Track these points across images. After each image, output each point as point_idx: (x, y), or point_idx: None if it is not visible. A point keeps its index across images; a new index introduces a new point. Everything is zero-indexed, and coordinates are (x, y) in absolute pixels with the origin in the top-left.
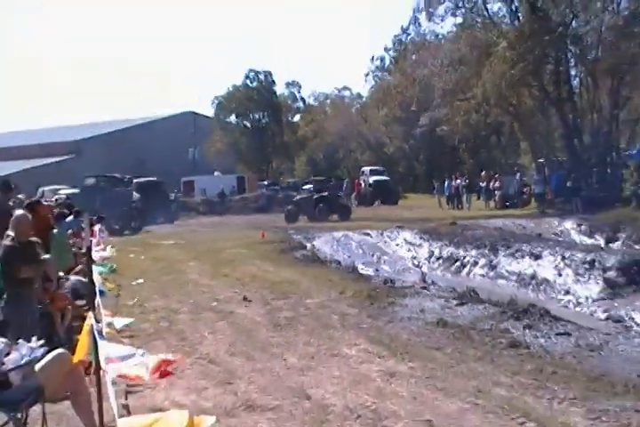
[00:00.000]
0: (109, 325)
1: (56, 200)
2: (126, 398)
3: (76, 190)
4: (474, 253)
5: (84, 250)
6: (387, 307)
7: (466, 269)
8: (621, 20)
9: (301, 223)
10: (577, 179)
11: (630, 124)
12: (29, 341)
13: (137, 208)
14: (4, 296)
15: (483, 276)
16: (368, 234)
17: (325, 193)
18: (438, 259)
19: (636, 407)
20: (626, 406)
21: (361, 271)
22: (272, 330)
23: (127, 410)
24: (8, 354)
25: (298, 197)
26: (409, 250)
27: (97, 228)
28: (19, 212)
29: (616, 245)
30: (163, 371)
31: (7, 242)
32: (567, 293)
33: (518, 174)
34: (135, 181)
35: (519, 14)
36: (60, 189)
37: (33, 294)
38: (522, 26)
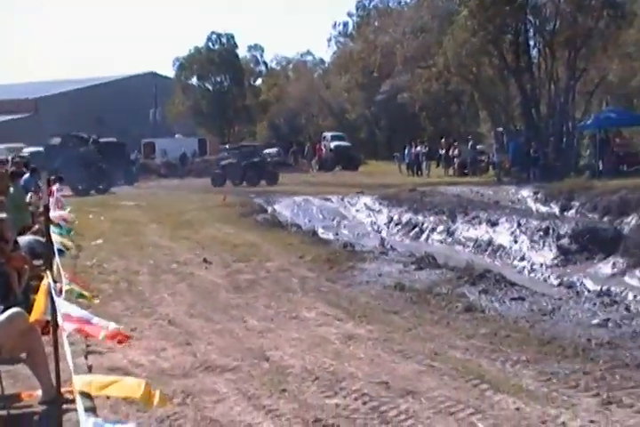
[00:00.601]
0: (69, 291)
1: (12, 159)
2: (86, 358)
3: (39, 149)
4: (432, 219)
5: (41, 209)
6: (346, 271)
7: (424, 235)
8: None
9: (263, 187)
10: (534, 148)
11: (585, 96)
12: None
13: (103, 169)
14: None
15: (441, 242)
16: (329, 199)
17: (255, 159)
18: (397, 224)
19: (584, 369)
20: (575, 368)
21: (321, 236)
22: (232, 292)
23: (90, 370)
24: None
25: (225, 161)
26: (369, 215)
27: (55, 187)
28: None
29: (570, 214)
30: (120, 338)
31: None
32: (522, 259)
33: (470, 142)
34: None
35: None
36: (20, 148)
37: None
38: None
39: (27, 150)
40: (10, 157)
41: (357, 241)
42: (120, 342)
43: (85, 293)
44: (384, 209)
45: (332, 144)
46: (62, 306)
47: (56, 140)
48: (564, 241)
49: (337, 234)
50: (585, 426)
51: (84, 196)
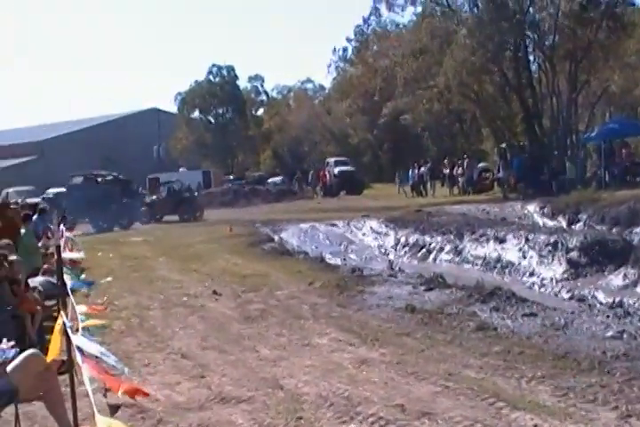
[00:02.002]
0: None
1: (20, 202)
2: (105, 396)
3: (62, 189)
4: (439, 239)
5: (51, 250)
6: (356, 295)
7: (432, 256)
8: (577, 6)
9: (269, 216)
10: (538, 163)
11: (588, 108)
12: (0, 342)
13: (126, 205)
14: None
15: (449, 261)
16: (335, 224)
17: (187, 194)
18: (405, 246)
19: (601, 383)
20: (591, 381)
21: (329, 261)
22: (243, 323)
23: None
24: None
25: (152, 198)
26: (375, 238)
27: (61, 228)
28: None
29: (578, 227)
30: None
31: None
32: (532, 274)
33: (466, 161)
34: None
35: (478, 2)
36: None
37: (4, 295)
38: (481, 13)
39: (51, 191)
40: (18, 201)
41: (365, 265)
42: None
43: (104, 322)
44: (390, 231)
45: (336, 169)
46: (80, 342)
47: (77, 180)
48: (574, 254)
49: (344, 259)
50: None
51: (106, 232)
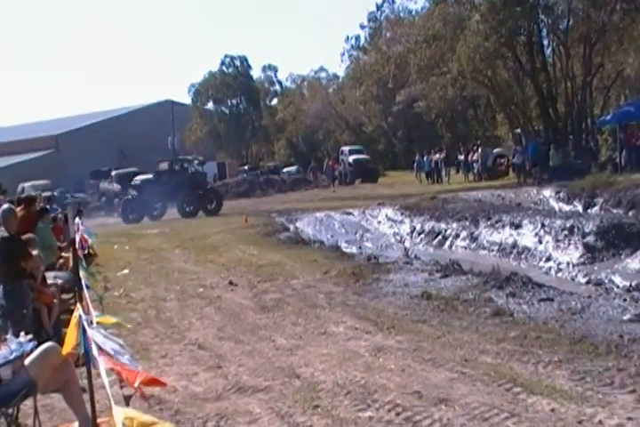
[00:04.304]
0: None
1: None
2: (121, 388)
3: (149, 176)
4: (455, 225)
5: (64, 244)
6: (371, 283)
7: (448, 242)
8: None
9: (284, 205)
10: (554, 147)
11: (603, 92)
12: (18, 336)
13: (213, 190)
14: (1, 292)
15: (465, 248)
16: (350, 213)
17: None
18: (420, 233)
19: (618, 366)
20: (608, 365)
21: (344, 250)
22: (259, 312)
23: (127, 400)
24: None
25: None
26: (391, 226)
27: (77, 221)
28: (4, 206)
29: (594, 211)
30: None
31: (3, 234)
32: (548, 259)
33: (481, 147)
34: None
35: None
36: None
37: (29, 287)
38: None
39: (138, 178)
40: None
41: (381, 253)
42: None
43: (117, 320)
44: (406, 219)
45: (351, 158)
46: (95, 337)
47: (164, 166)
48: (590, 239)
49: (360, 247)
50: (622, 424)
51: (191, 217)
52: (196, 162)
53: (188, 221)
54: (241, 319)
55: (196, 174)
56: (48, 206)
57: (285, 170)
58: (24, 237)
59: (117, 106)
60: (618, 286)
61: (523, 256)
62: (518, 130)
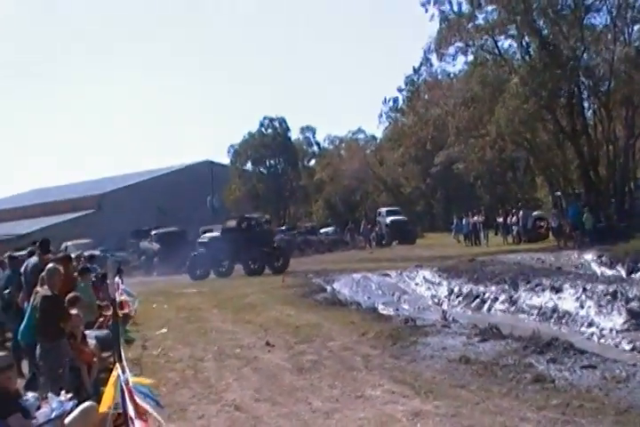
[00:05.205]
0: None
1: (77, 256)
2: None
3: (216, 234)
4: (494, 288)
5: (104, 303)
6: (409, 346)
7: (486, 305)
8: (633, 51)
9: (322, 266)
10: (595, 211)
11: None
12: (59, 394)
13: (280, 248)
14: (39, 350)
15: (504, 311)
16: (387, 274)
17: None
18: (458, 296)
19: None
20: None
21: (381, 312)
22: (296, 374)
23: None
24: (39, 408)
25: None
26: (428, 288)
27: (116, 280)
28: (50, 265)
29: (638, 276)
30: None
31: (46, 292)
32: (590, 325)
33: (521, 209)
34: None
35: (530, 49)
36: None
37: (67, 345)
38: (533, 61)
39: (207, 235)
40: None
41: (419, 315)
42: None
43: (152, 380)
44: (444, 281)
45: (388, 219)
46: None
47: (231, 223)
48: (634, 304)
49: (397, 309)
50: None
51: (257, 275)
52: (262, 220)
53: (225, 281)
54: (278, 381)
55: (262, 232)
56: (89, 265)
57: (323, 230)
58: (71, 295)
59: (159, 165)
60: None
61: (563, 321)
62: (558, 192)
